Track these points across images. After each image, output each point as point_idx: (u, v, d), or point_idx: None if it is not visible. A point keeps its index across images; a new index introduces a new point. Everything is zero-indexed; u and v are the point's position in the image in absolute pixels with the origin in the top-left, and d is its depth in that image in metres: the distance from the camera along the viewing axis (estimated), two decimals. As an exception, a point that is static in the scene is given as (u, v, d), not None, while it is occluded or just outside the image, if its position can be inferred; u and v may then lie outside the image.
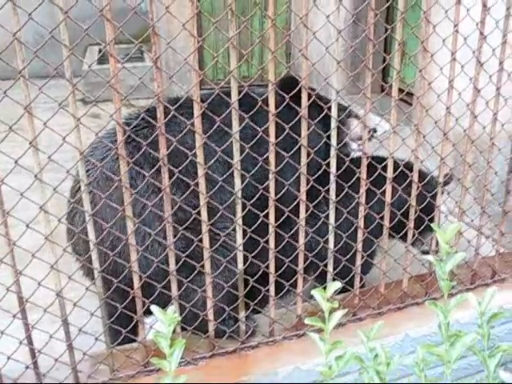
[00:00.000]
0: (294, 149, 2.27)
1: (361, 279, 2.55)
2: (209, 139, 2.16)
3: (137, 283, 2.12)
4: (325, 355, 1.31)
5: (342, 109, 2.46)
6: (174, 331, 1.39)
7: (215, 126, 2.08)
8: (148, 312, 2.34)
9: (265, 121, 2.14)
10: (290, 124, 2.16)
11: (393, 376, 2.33)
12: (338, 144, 2.26)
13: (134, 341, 2.32)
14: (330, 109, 2.21)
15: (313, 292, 1.41)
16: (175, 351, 1.24)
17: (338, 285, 1.43)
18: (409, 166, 2.53)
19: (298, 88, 2.13)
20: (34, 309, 2.02)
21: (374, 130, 2.85)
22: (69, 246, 2.10)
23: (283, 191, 2.23)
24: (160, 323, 2.70)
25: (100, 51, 7.69)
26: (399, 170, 2.46)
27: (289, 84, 2.36)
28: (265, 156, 2.15)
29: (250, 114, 2.11)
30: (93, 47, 7.99)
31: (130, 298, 2.13)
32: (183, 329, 2.31)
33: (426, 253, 2.98)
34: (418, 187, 2.49)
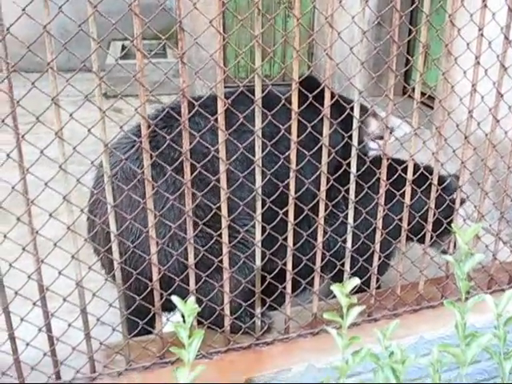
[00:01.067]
0: (315, 148, 2.28)
1: (377, 280, 2.55)
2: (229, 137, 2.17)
3: (155, 276, 2.14)
4: (342, 350, 1.32)
5: (361, 108, 2.47)
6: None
7: (237, 124, 2.10)
8: (166, 308, 2.40)
9: (284, 119, 2.15)
10: (313, 123, 2.18)
11: (408, 376, 2.34)
12: (358, 144, 2.27)
13: (151, 333, 2.35)
14: (351, 109, 2.22)
15: (332, 287, 1.42)
16: (194, 342, 1.26)
17: (356, 281, 1.45)
18: (429, 170, 2.54)
19: (320, 87, 2.15)
20: (54, 298, 2.06)
21: (392, 130, 2.85)
22: (89, 236, 2.13)
23: (303, 190, 2.24)
24: (177, 317, 2.74)
25: (123, 46, 7.76)
26: (419, 172, 2.46)
27: (310, 84, 2.38)
28: (285, 154, 2.17)
29: (272, 112, 2.13)
30: (116, 42, 8.02)
31: (149, 290, 2.15)
32: (199, 323, 2.33)
33: (444, 253, 2.98)
34: (437, 190, 2.49)
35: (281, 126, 2.13)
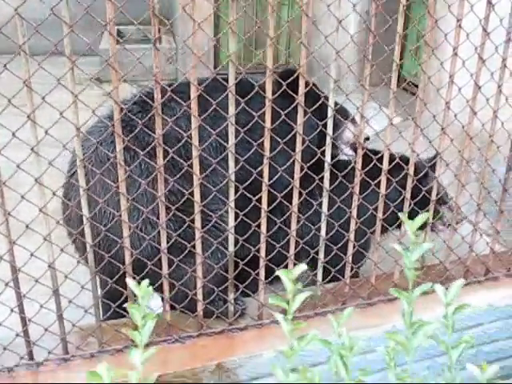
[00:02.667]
0: (289, 136, 2.29)
1: (352, 269, 2.56)
2: (202, 123, 2.18)
3: (128, 259, 2.16)
4: (288, 336, 1.34)
5: (340, 111, 2.48)
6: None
7: (211, 110, 2.10)
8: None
9: (260, 107, 2.16)
10: (286, 111, 2.19)
11: (374, 366, 2.36)
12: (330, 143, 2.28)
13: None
14: (326, 98, 2.22)
15: (278, 273, 1.43)
16: (147, 324, 1.28)
17: (303, 267, 1.45)
18: (404, 159, 2.55)
19: (295, 75, 2.15)
20: (32, 281, 2.08)
21: (367, 138, 2.84)
22: (62, 219, 2.14)
23: (276, 177, 2.25)
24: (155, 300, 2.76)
25: (119, 31, 7.73)
26: (394, 162, 2.48)
27: (289, 74, 2.38)
28: (258, 142, 2.18)
29: (246, 99, 2.13)
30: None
31: (121, 273, 2.17)
32: (172, 307, 2.35)
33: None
34: (413, 180, 2.50)
35: (254, 114, 2.14)
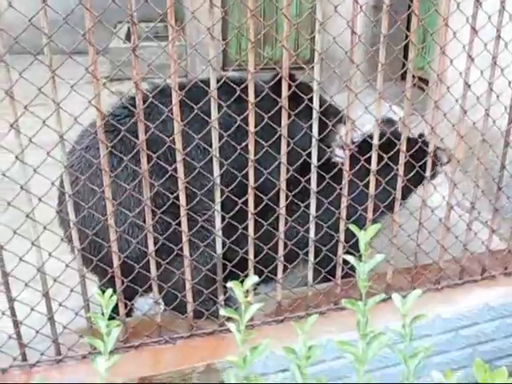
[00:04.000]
0: (273, 138, 2.29)
1: (343, 269, 2.57)
2: (190, 127, 2.20)
3: (116, 263, 2.19)
4: (240, 346, 1.35)
5: (333, 113, 2.48)
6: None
7: (193, 114, 2.12)
8: (131, 294, 2.45)
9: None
10: (269, 114, 2.19)
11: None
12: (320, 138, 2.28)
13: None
14: (310, 100, 2.22)
15: (229, 284, 1.45)
16: (112, 332, 1.31)
17: (255, 278, 1.47)
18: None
19: (277, 78, 2.16)
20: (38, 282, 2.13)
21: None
22: (50, 223, 2.17)
23: (262, 179, 2.26)
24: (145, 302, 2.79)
25: (129, 29, 7.75)
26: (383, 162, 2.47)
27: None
28: (244, 144, 2.19)
29: (230, 102, 2.15)
30: (121, 25, 7.96)
31: (109, 276, 2.21)
32: (164, 308, 2.39)
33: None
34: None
35: (237, 118, 2.16)
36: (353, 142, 2.45)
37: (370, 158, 2.40)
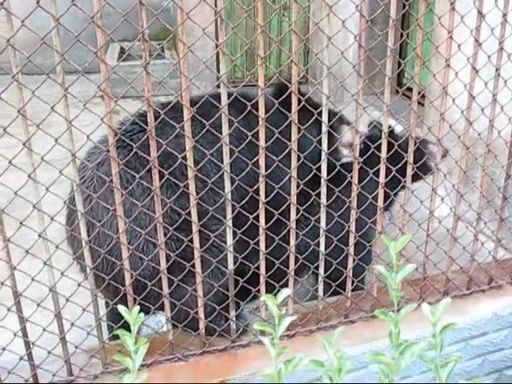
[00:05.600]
0: (284, 153, 2.30)
1: (353, 282, 2.57)
2: (202, 142, 2.20)
3: (128, 280, 2.18)
4: (274, 360, 1.35)
5: (333, 115, 2.49)
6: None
7: (205, 130, 2.13)
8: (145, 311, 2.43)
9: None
10: (280, 129, 2.20)
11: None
12: (328, 149, 2.29)
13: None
14: (319, 114, 2.24)
15: (262, 299, 1.45)
16: (139, 350, 1.30)
17: (287, 292, 1.47)
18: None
19: (287, 92, 2.17)
20: (34, 304, 2.11)
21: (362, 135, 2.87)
22: (62, 243, 2.16)
23: (273, 193, 2.27)
24: (157, 319, 2.77)
25: (122, 49, 7.78)
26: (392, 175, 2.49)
27: (283, 90, 2.41)
28: (255, 159, 2.20)
29: (242, 117, 2.16)
30: (114, 44, 7.95)
31: (121, 294, 2.19)
32: (175, 326, 2.37)
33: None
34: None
35: (248, 133, 2.16)
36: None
37: (369, 157, 2.43)
